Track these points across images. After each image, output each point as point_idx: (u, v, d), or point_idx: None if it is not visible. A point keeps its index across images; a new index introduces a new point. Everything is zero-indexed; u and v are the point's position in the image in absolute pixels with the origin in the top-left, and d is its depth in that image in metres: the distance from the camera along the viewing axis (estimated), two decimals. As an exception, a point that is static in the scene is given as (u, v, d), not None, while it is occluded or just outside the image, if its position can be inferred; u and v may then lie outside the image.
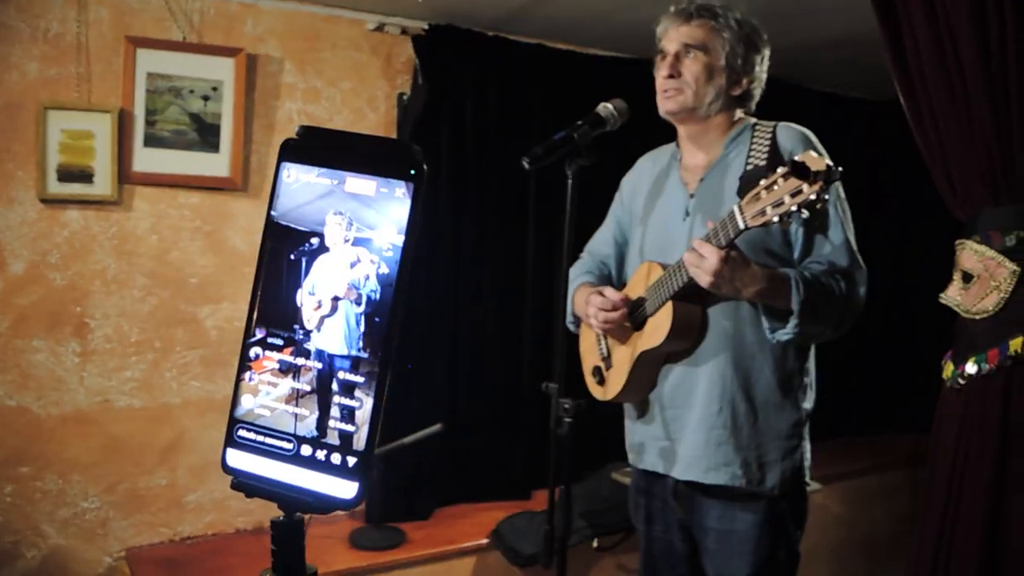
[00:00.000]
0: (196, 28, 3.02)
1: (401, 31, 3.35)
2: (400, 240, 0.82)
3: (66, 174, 2.87)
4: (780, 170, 1.60)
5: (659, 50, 2.04)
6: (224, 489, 3.11)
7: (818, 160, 1.56)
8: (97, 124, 2.89)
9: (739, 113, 2.05)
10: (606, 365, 2.17)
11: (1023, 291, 1.77)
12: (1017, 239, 1.78)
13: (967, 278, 1.87)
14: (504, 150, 3.42)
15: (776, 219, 1.62)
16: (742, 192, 1.69)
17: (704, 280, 1.76)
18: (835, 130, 4.23)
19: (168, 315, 3.05)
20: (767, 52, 2.05)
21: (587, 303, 2.09)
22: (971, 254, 1.85)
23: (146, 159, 2.99)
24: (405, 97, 3.38)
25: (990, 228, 1.82)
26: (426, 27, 3.34)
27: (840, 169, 1.56)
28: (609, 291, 2.07)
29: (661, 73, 2.01)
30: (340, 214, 0.84)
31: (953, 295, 1.92)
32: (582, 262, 2.35)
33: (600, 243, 2.35)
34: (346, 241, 0.84)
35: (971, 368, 1.85)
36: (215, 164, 3.09)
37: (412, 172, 0.82)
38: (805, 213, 1.59)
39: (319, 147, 0.86)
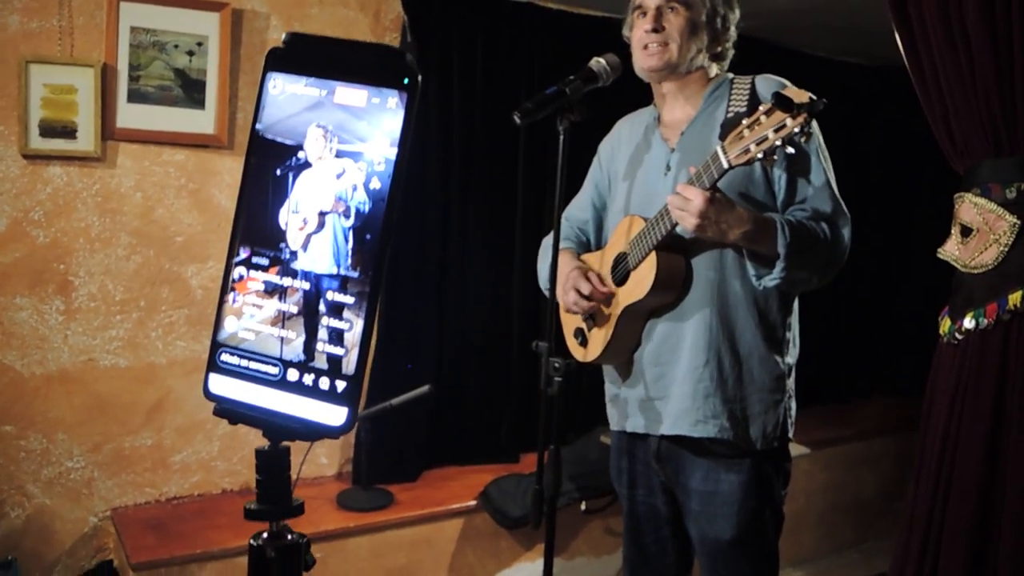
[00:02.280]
0: (181, -20, 2.95)
1: (390, -13, 3.29)
2: (393, 153, 0.78)
3: (48, 129, 2.81)
4: (762, 107, 1.60)
5: (636, 7, 1.99)
6: (210, 450, 3.12)
7: (801, 93, 1.55)
8: (80, 79, 2.83)
9: (716, 70, 2.03)
10: (588, 326, 2.14)
11: (1022, 244, 1.75)
12: (1018, 191, 1.75)
13: (966, 232, 1.85)
14: (493, 109, 3.37)
15: (760, 155, 1.60)
16: (725, 135, 1.67)
17: (690, 222, 1.74)
18: (826, 94, 4.24)
19: (153, 274, 3.01)
20: (739, 13, 2.04)
21: (569, 282, 2.05)
22: (970, 207, 1.83)
23: (130, 115, 2.92)
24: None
25: (990, 180, 1.80)
26: (416, -16, 3.27)
27: (824, 100, 1.54)
28: (593, 277, 2.04)
29: (643, 27, 1.97)
30: (321, 127, 0.80)
31: (951, 249, 1.89)
32: (559, 228, 2.32)
33: (577, 208, 2.32)
34: (330, 153, 0.79)
35: (969, 323, 1.82)
36: (200, 121, 3.03)
37: (406, 81, 0.78)
38: (790, 148, 1.57)
39: (307, 56, 0.82)
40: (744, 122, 1.62)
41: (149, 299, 3.00)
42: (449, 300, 3.45)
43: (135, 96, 2.93)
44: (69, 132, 2.84)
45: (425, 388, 3.04)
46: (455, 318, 3.46)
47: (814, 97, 1.54)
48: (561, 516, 2.69)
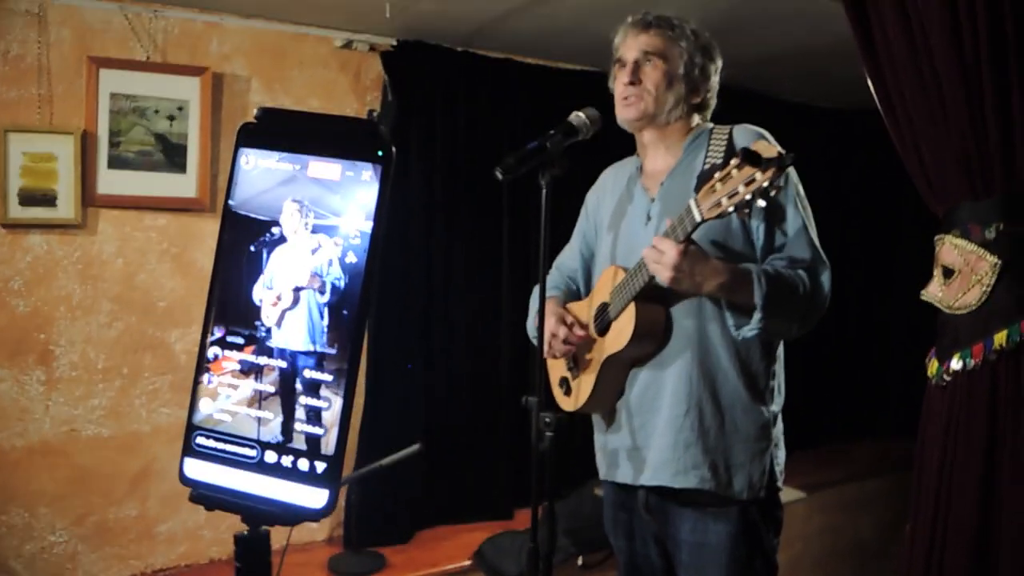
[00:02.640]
0: (160, 47, 2.97)
1: (369, 48, 3.32)
2: (368, 227, 0.77)
3: (28, 198, 2.80)
4: (733, 161, 1.60)
5: (616, 60, 2.04)
6: (197, 519, 3.06)
7: (769, 148, 1.56)
8: (60, 146, 2.83)
9: (696, 120, 2.05)
10: (573, 375, 2.13)
11: (1005, 284, 1.75)
12: (997, 231, 1.76)
13: (948, 273, 1.85)
14: (476, 164, 3.39)
15: (731, 209, 1.61)
16: (699, 188, 1.68)
17: (664, 275, 1.75)
18: (806, 140, 4.30)
19: (136, 340, 2.97)
20: (720, 63, 2.07)
21: (547, 327, 2.05)
22: (951, 249, 1.83)
23: (110, 181, 2.92)
24: (375, 114, 3.32)
25: (969, 221, 1.80)
26: (394, 43, 3.31)
27: (792, 155, 1.56)
28: (572, 321, 2.05)
29: (621, 81, 2.01)
30: (297, 201, 0.79)
31: (934, 291, 1.89)
32: (550, 277, 2.32)
33: (567, 258, 2.33)
34: (305, 229, 0.78)
35: (956, 364, 1.82)
36: (182, 185, 3.02)
37: (380, 153, 0.77)
38: (761, 202, 1.57)
39: (279, 130, 0.81)
40: (716, 175, 1.63)
41: (132, 366, 2.97)
42: (436, 354, 3.42)
43: (116, 162, 2.93)
44: (49, 200, 2.83)
45: (415, 447, 3.00)
46: (443, 373, 3.43)
47: (783, 152, 1.55)
48: (558, 573, 2.64)
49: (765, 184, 1.55)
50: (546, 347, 2.05)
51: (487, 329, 3.51)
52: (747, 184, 1.57)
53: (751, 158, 1.55)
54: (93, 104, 2.86)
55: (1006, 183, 1.76)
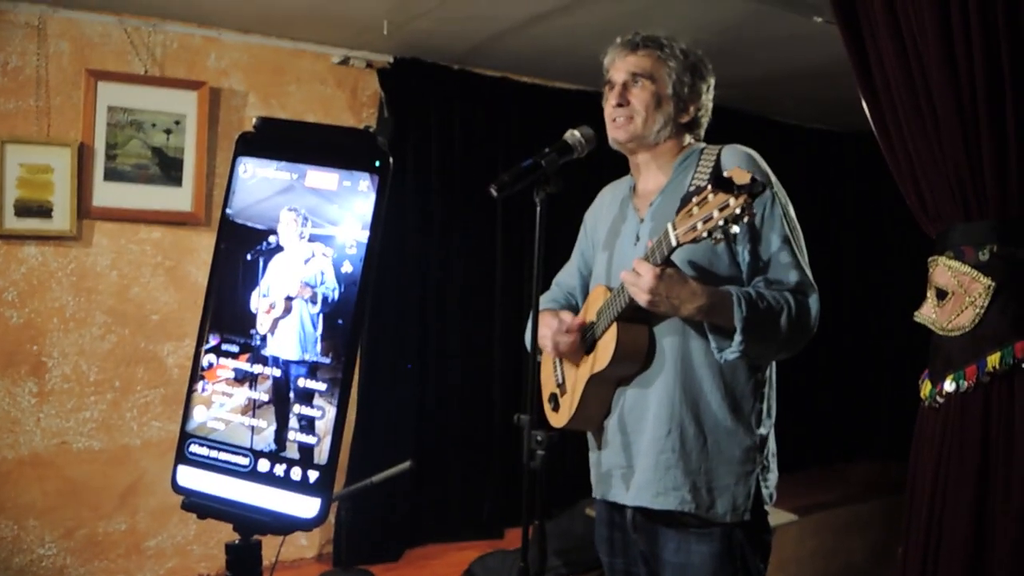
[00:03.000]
0: (158, 61, 2.98)
1: (366, 65, 3.34)
2: (365, 236, 0.77)
3: (24, 209, 2.80)
4: (708, 186, 1.61)
5: (607, 81, 2.04)
6: (186, 534, 3.04)
7: (743, 174, 1.56)
8: (56, 158, 2.83)
9: (688, 139, 2.05)
10: (561, 391, 2.13)
11: (998, 305, 1.75)
12: (991, 253, 1.76)
13: (941, 295, 1.85)
14: (471, 181, 3.40)
15: (706, 234, 1.61)
16: (679, 211, 1.69)
17: (641, 298, 1.75)
18: (801, 161, 4.33)
19: (128, 353, 2.96)
20: (712, 81, 2.07)
21: (543, 326, 2.06)
22: (944, 270, 1.84)
23: (106, 193, 2.92)
24: (371, 130, 3.35)
25: (963, 243, 1.80)
26: (391, 60, 3.33)
27: (765, 183, 1.58)
28: (566, 315, 2.05)
29: (610, 103, 2.01)
30: (294, 210, 0.79)
31: (928, 313, 1.89)
32: (550, 292, 2.34)
33: (567, 275, 2.34)
34: (301, 238, 0.79)
35: (949, 386, 1.81)
36: (177, 198, 3.03)
37: (377, 164, 0.77)
38: (735, 228, 1.58)
39: (277, 140, 0.81)
40: (694, 199, 1.64)
41: (124, 379, 2.96)
42: (429, 371, 3.42)
43: (112, 175, 2.93)
44: (45, 211, 2.83)
45: (406, 464, 2.98)
46: (435, 390, 3.42)
47: (756, 178, 1.56)
48: (548, 593, 2.62)
49: (738, 211, 1.56)
50: (551, 343, 2.05)
51: (481, 345, 3.51)
52: (721, 210, 1.58)
53: (723, 184, 1.56)
54: (91, 116, 2.87)
55: (1000, 206, 1.77)
